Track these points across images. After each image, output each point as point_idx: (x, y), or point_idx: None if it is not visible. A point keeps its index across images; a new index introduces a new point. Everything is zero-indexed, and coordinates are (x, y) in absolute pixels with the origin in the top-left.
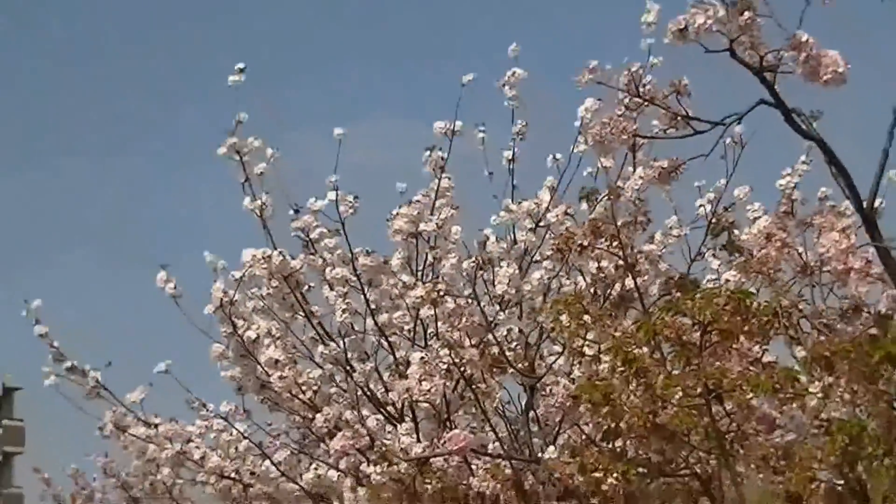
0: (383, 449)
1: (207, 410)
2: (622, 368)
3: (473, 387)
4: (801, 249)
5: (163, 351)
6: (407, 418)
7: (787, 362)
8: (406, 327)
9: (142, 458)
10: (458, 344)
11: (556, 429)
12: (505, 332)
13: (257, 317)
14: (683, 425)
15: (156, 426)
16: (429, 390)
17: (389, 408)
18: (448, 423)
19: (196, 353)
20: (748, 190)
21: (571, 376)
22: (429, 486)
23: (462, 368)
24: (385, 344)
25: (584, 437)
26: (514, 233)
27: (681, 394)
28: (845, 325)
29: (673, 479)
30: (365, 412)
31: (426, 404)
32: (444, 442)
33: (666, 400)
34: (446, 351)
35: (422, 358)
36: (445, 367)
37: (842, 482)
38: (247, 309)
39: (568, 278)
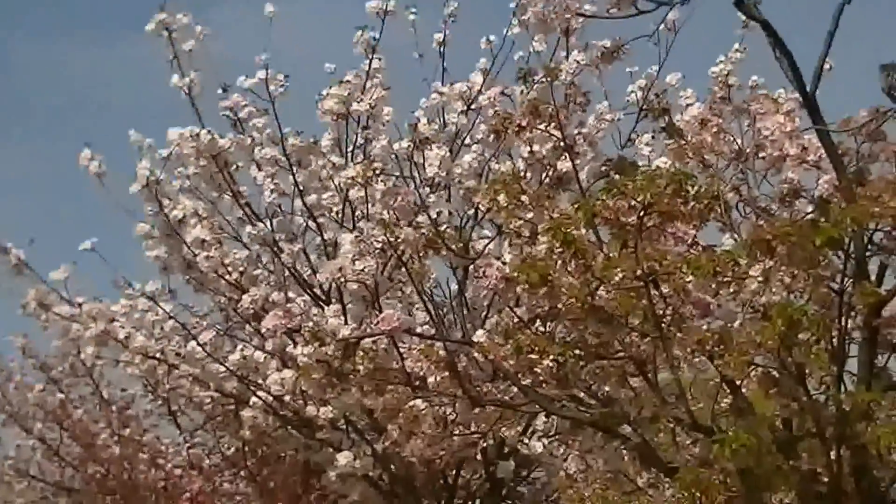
0: (315, 329)
1: (133, 290)
2: (560, 250)
3: (408, 267)
4: (735, 136)
5: (88, 230)
6: (334, 300)
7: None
8: (335, 209)
9: (64, 337)
10: (394, 223)
11: (486, 312)
12: (435, 215)
13: (183, 197)
14: (621, 308)
15: (80, 305)
16: (362, 270)
17: (316, 290)
18: (376, 306)
19: (121, 232)
20: (680, 77)
21: (502, 259)
22: (361, 368)
23: (396, 248)
24: (313, 225)
25: (516, 319)
26: (443, 116)
27: (620, 276)
28: (784, 210)
29: (608, 362)
30: (291, 294)
31: (355, 286)
32: (377, 323)
33: (604, 282)
34: (380, 230)
35: (356, 237)
36: (380, 246)
37: (778, 367)
38: (173, 188)
39: (498, 163)
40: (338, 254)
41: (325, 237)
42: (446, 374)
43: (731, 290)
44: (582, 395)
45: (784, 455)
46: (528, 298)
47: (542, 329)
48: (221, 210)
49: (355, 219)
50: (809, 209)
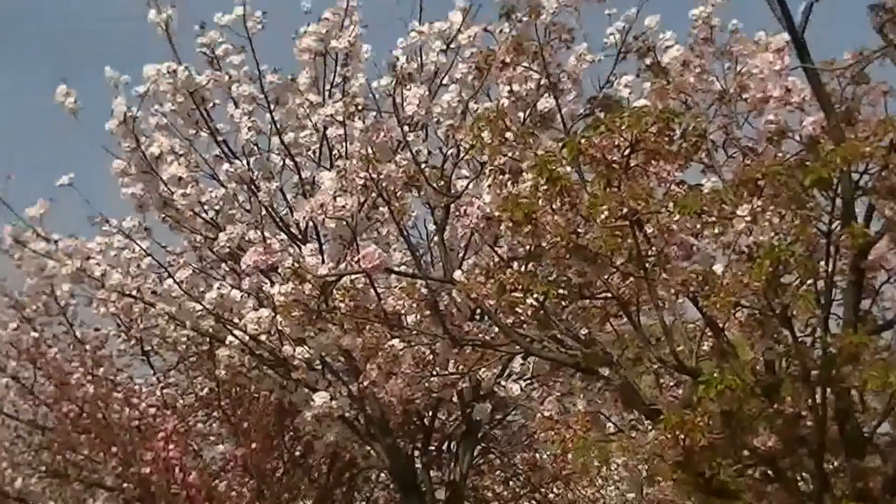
0: (296, 266)
1: (110, 226)
2: (545, 187)
3: (389, 204)
4: (718, 77)
5: (64, 168)
6: (311, 239)
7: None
8: (312, 147)
9: (39, 275)
10: (376, 158)
11: (463, 253)
12: (414, 153)
13: (159, 134)
14: (606, 247)
15: (56, 242)
16: (343, 207)
17: (293, 229)
18: (354, 245)
19: (96, 170)
20: (658, 19)
21: (482, 199)
22: (341, 306)
23: (378, 185)
24: (290, 164)
25: (496, 259)
26: (422, 56)
27: (605, 214)
28: (770, 150)
29: (590, 303)
30: (268, 233)
31: (333, 224)
32: (357, 260)
33: (590, 220)
34: (363, 166)
35: (338, 172)
36: (362, 182)
37: (763, 308)
38: (149, 126)
39: (477, 103)
40: (316, 192)
41: (303, 176)
42: (427, 313)
43: (716, 230)
44: (562, 336)
45: (767, 398)
46: (511, 237)
47: (527, 267)
48: (198, 148)
49: (332, 158)
50: (795, 150)
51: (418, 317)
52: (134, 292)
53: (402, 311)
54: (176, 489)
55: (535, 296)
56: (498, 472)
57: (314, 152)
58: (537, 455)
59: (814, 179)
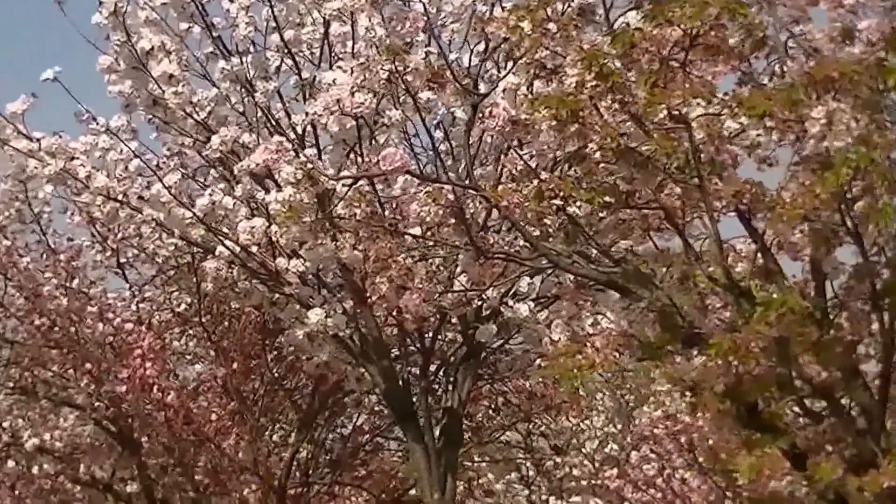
0: (307, 167)
1: (97, 124)
2: (594, 83)
3: (415, 99)
4: None
5: (48, 64)
6: (309, 144)
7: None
8: (314, 47)
9: (18, 176)
10: (404, 50)
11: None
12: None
13: (148, 29)
14: (661, 150)
15: (38, 140)
16: (362, 103)
17: (290, 133)
18: (357, 151)
19: (80, 67)
20: None
21: (515, 97)
22: (357, 211)
23: (404, 79)
24: (289, 63)
25: (521, 165)
26: None
27: (664, 114)
28: (837, 52)
29: (631, 213)
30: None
31: (336, 128)
32: (376, 162)
33: (642, 122)
34: (388, 57)
35: (360, 63)
36: (386, 75)
37: (836, 223)
38: (139, 20)
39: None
40: (317, 94)
41: (303, 77)
42: (452, 221)
43: (794, 134)
44: (593, 251)
45: (818, 325)
46: (557, 136)
47: (569, 171)
48: (189, 45)
49: (332, 59)
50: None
51: (443, 224)
52: (120, 196)
53: (427, 219)
54: (151, 409)
55: (577, 204)
56: (487, 401)
57: (312, 54)
58: (528, 384)
59: None
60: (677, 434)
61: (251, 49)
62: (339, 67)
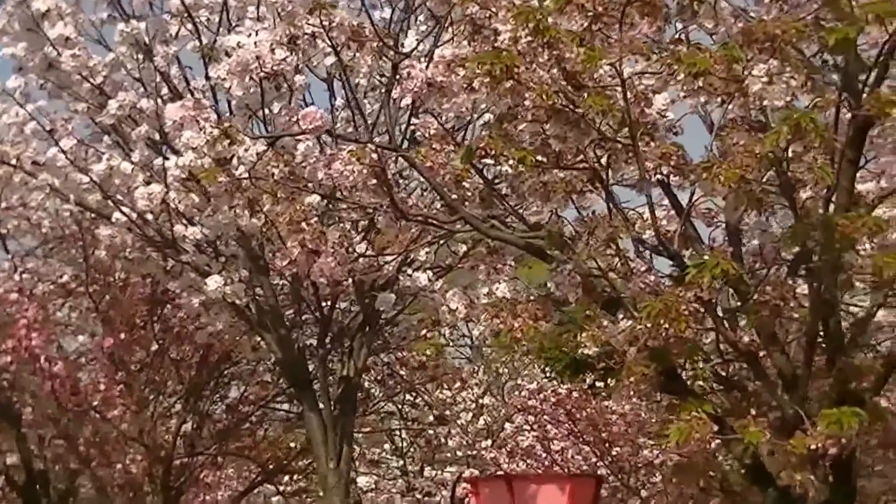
0: (226, 126)
1: None
2: (529, 40)
3: (339, 56)
4: None
5: None
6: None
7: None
8: (214, 11)
9: None
10: (331, 4)
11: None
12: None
13: None
14: (595, 108)
15: None
16: (283, 59)
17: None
18: (263, 116)
19: None
20: None
21: (442, 56)
22: (275, 172)
23: (329, 35)
24: (189, 28)
25: (436, 129)
26: None
27: (603, 70)
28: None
29: (555, 174)
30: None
31: (240, 92)
32: (297, 120)
33: (580, 78)
34: (315, 12)
35: (284, 19)
36: (311, 31)
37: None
38: None
39: None
40: (219, 58)
41: (203, 41)
42: (373, 181)
43: (734, 91)
44: (509, 216)
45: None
46: (489, 94)
47: (503, 130)
48: (85, 8)
49: (230, 21)
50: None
51: (365, 184)
52: (14, 161)
53: (350, 179)
54: (37, 380)
55: (510, 162)
56: (373, 371)
57: (209, 20)
58: (414, 354)
59: (839, 39)
60: (555, 406)
61: (150, 13)
62: (241, 31)
